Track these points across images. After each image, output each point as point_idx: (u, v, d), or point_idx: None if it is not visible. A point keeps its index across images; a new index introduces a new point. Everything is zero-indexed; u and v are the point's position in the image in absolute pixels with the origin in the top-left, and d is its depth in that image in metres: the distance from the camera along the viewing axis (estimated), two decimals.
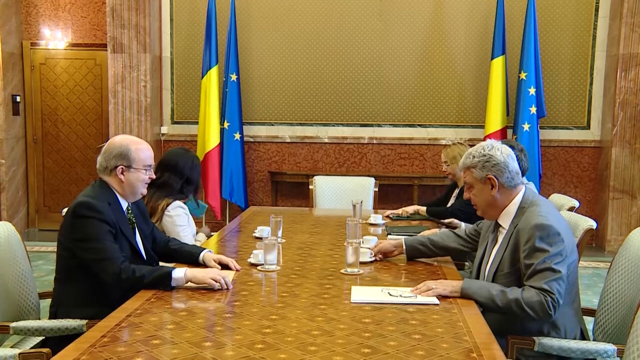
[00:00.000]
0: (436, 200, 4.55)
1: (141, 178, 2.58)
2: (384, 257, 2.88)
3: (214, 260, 2.66)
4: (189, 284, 2.36)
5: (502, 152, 2.42)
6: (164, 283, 2.33)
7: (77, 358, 1.67)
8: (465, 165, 2.47)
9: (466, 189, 2.52)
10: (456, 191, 4.16)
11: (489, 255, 2.51)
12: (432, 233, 3.16)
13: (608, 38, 6.51)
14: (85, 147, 7.19)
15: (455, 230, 2.92)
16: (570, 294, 2.32)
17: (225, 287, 2.34)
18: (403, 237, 2.88)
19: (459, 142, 4.21)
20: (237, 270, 2.62)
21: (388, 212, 4.32)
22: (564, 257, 2.23)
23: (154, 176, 2.68)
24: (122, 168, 2.54)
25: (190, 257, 2.73)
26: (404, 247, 2.84)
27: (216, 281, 2.33)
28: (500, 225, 2.47)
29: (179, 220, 3.25)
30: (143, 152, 2.60)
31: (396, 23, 6.71)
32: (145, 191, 2.65)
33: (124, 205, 2.60)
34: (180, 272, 2.35)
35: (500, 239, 2.47)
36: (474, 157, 2.43)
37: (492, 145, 2.45)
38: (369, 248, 2.90)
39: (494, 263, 2.43)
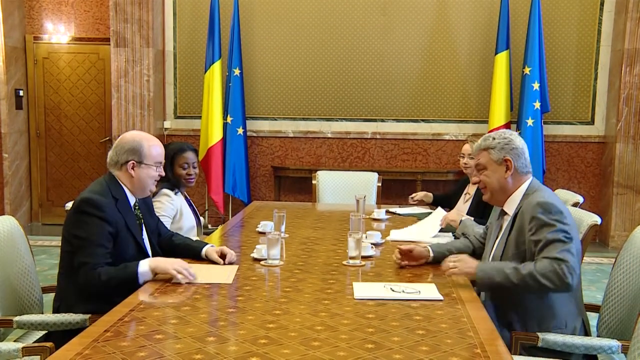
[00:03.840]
0: (443, 194, 4.54)
1: (151, 174, 2.58)
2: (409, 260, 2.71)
3: (217, 253, 2.66)
4: (195, 279, 2.37)
5: (520, 140, 2.53)
6: (132, 282, 2.32)
7: (80, 352, 1.66)
8: (483, 146, 2.53)
9: (478, 171, 2.57)
10: (467, 189, 4.09)
11: (494, 242, 2.55)
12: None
13: (613, 33, 6.47)
14: (88, 141, 7.19)
15: (470, 238, 2.89)
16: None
17: (192, 278, 2.33)
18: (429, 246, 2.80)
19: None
20: (235, 262, 2.63)
21: (392, 207, 4.32)
22: (570, 233, 2.27)
23: (163, 173, 2.67)
24: (133, 163, 2.54)
25: (193, 251, 2.73)
26: (431, 255, 2.72)
27: (180, 273, 2.32)
28: (506, 213, 2.52)
29: (160, 210, 3.17)
30: (155, 148, 2.59)
31: (399, 17, 6.68)
32: (154, 188, 2.65)
33: (132, 201, 2.60)
34: (144, 266, 2.34)
35: (504, 226, 2.50)
36: (493, 138, 2.52)
37: (511, 132, 2.57)
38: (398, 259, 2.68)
39: (499, 247, 2.47)
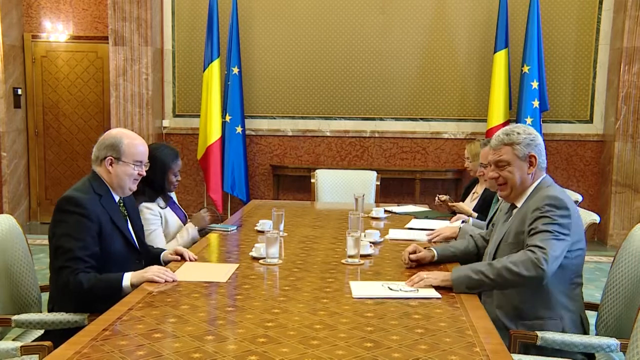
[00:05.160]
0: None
1: (129, 172, 2.54)
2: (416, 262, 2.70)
3: (172, 254, 2.69)
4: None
5: (540, 136, 2.51)
6: (116, 291, 2.31)
7: (78, 351, 1.66)
8: (507, 141, 2.45)
9: (496, 167, 2.48)
10: (475, 188, 4.11)
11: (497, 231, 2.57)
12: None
13: (612, 31, 6.47)
14: (86, 140, 7.17)
15: (474, 237, 2.87)
16: (573, 281, 2.38)
17: (171, 280, 2.33)
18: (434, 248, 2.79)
19: (481, 140, 4.17)
20: (194, 260, 2.64)
21: (390, 206, 4.32)
22: (566, 231, 2.26)
23: (144, 173, 2.62)
24: (111, 159, 2.52)
25: (155, 258, 2.74)
26: (436, 256, 2.71)
27: (156, 280, 2.33)
28: (515, 207, 2.52)
29: (146, 225, 3.04)
30: (135, 147, 2.56)
31: (398, 16, 6.67)
32: (134, 187, 2.61)
33: (117, 197, 2.59)
34: (127, 281, 2.34)
35: (511, 219, 2.51)
36: (518, 133, 2.45)
37: (531, 127, 2.54)
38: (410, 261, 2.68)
39: (500, 234, 2.49)
